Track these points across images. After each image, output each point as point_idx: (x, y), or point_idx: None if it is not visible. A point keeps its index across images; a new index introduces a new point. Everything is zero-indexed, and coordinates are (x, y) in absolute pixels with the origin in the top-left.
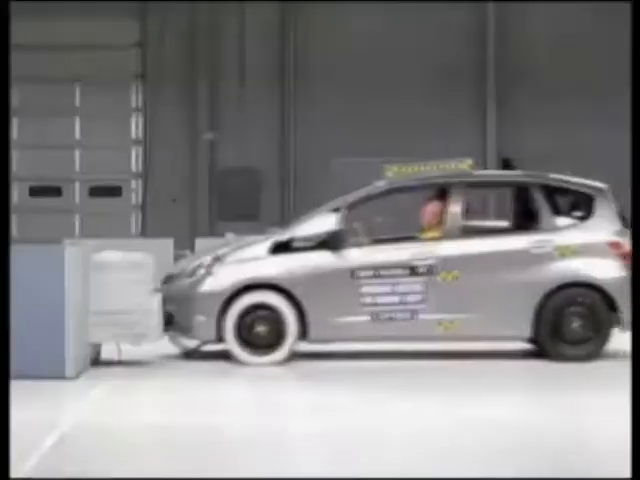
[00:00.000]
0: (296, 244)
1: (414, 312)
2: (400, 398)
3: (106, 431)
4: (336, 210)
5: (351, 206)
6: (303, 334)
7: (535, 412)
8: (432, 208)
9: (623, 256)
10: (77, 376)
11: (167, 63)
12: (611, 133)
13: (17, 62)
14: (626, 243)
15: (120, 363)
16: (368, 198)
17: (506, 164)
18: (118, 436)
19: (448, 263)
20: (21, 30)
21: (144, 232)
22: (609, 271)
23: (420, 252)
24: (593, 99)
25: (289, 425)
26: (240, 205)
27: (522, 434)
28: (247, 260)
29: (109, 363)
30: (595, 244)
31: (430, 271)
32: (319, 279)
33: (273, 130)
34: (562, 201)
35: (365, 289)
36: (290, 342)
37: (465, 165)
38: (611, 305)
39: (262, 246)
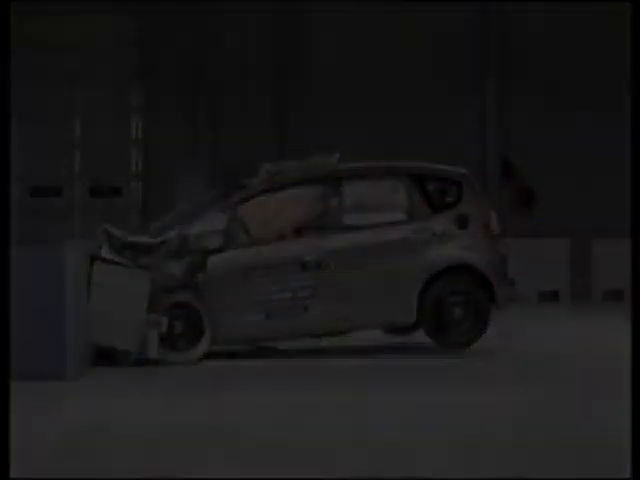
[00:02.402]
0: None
1: (306, 307)
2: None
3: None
4: (224, 209)
5: (236, 205)
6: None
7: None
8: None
9: (491, 237)
10: (77, 376)
11: (167, 63)
12: (611, 133)
13: (17, 62)
14: (494, 224)
15: (119, 363)
16: (252, 196)
17: (506, 164)
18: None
19: (333, 256)
20: (21, 30)
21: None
22: (482, 252)
23: (306, 247)
24: (594, 98)
25: None
26: None
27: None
28: None
29: (109, 363)
30: (464, 227)
31: (318, 265)
32: (215, 279)
33: (273, 130)
34: (432, 188)
35: (258, 288)
36: (208, 339)
37: (332, 159)
38: (486, 284)
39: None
